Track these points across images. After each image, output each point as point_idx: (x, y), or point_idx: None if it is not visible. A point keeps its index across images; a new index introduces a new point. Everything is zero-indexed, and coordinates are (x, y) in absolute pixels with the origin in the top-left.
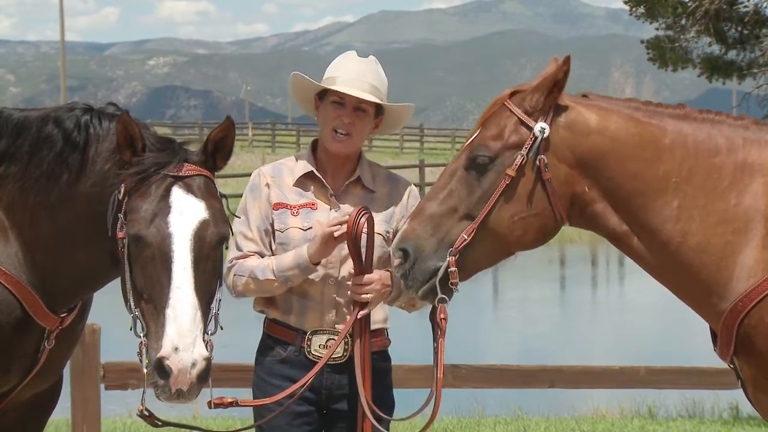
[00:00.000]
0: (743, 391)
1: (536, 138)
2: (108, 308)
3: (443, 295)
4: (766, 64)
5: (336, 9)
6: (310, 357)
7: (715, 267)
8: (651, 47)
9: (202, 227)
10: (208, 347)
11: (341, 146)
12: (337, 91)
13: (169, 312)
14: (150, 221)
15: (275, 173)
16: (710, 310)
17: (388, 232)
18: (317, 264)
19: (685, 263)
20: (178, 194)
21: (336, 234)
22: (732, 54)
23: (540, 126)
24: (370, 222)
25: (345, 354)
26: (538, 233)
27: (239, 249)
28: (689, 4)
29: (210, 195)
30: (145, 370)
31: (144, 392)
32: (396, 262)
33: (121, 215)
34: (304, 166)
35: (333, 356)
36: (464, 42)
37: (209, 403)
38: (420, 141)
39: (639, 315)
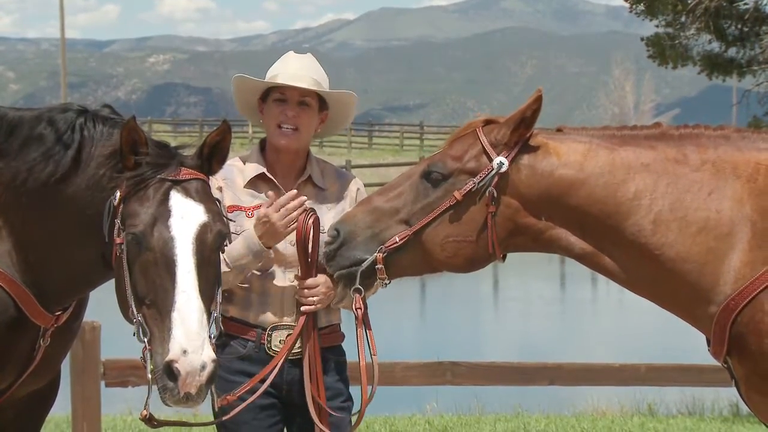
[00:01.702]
0: (737, 391)
1: (492, 170)
2: (108, 305)
3: (359, 286)
4: (766, 62)
5: (336, 6)
6: (270, 353)
7: (698, 273)
8: (651, 44)
9: (203, 230)
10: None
11: (289, 140)
12: (279, 89)
13: (175, 315)
14: (151, 225)
15: (227, 175)
16: (698, 315)
17: None
18: (270, 248)
19: (665, 274)
20: (177, 198)
21: (285, 226)
22: (732, 51)
23: (499, 160)
24: (316, 223)
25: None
26: (466, 260)
27: None
28: (689, 2)
29: (208, 198)
30: (149, 376)
31: (148, 396)
32: (326, 239)
33: (117, 221)
34: (255, 168)
35: (292, 351)
36: (464, 39)
37: (213, 402)
38: (420, 138)
39: (639, 312)
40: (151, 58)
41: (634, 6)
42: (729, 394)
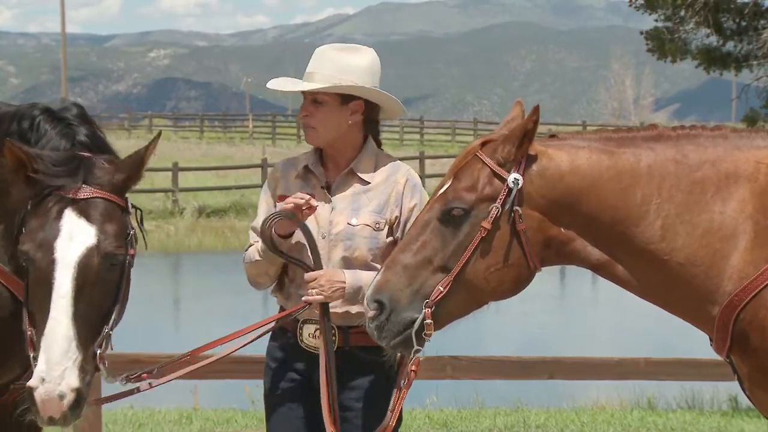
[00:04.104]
0: (740, 387)
1: (510, 189)
2: None
3: (419, 347)
4: (764, 56)
5: (336, 1)
6: (303, 345)
7: (704, 276)
8: (650, 38)
9: (89, 254)
10: (88, 375)
11: (310, 137)
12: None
13: (42, 342)
14: (39, 244)
15: (285, 167)
16: (705, 318)
17: (378, 222)
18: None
19: (673, 279)
20: (69, 217)
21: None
22: (730, 45)
23: (513, 177)
24: (284, 224)
25: (334, 341)
26: (513, 283)
27: (250, 242)
28: None
29: (106, 218)
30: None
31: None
32: (371, 313)
33: (24, 230)
34: (306, 160)
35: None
36: (464, 34)
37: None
38: (420, 133)
39: (638, 306)
40: (151, 53)
41: (633, 0)
42: (728, 388)
